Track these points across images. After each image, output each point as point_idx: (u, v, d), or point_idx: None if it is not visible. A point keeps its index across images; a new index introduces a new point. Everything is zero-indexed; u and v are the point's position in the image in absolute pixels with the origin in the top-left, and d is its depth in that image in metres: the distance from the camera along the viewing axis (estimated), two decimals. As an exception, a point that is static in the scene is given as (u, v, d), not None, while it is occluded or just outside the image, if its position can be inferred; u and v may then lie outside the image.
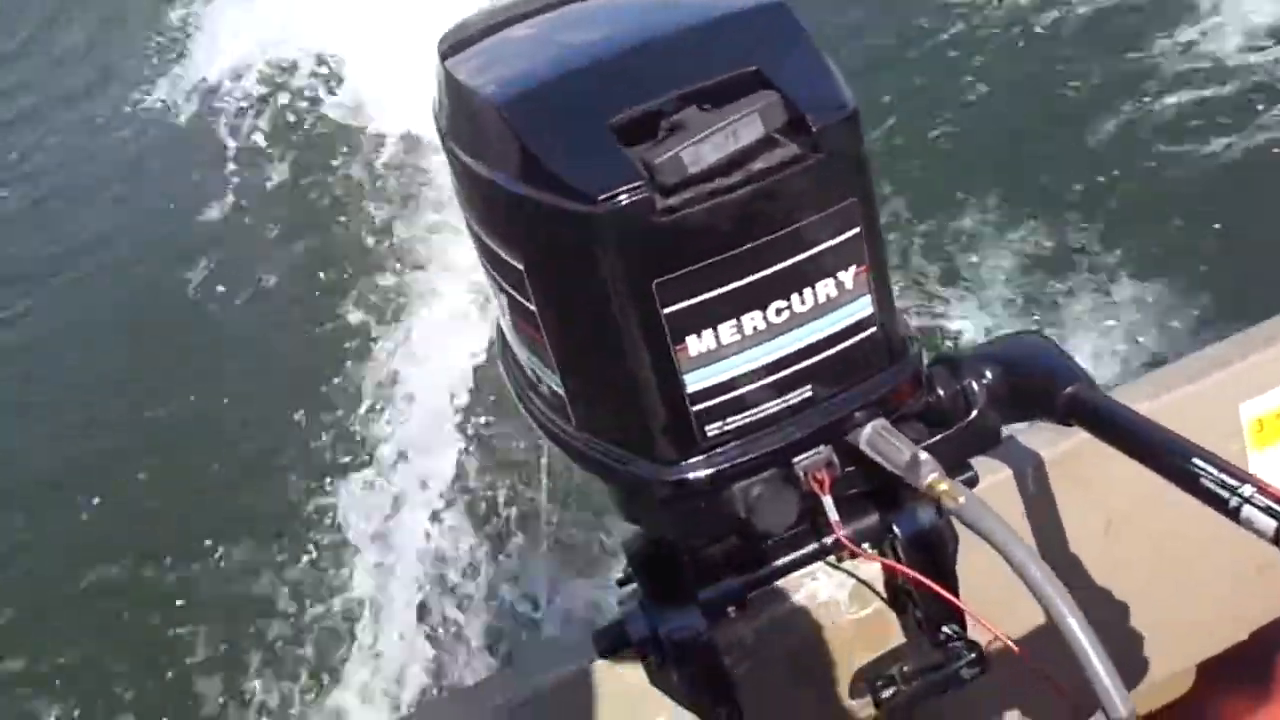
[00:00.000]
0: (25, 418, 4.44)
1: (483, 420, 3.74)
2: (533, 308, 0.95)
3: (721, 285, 0.86)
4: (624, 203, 0.81)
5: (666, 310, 0.85)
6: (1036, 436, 1.29)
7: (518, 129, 0.86)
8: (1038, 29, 5.22)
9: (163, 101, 6.13)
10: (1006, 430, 1.15)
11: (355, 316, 4.44)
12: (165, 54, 6.50)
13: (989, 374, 1.08)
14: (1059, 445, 1.28)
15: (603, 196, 0.81)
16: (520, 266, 0.93)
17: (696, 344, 0.88)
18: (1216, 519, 1.35)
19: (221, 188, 5.35)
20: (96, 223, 5.48)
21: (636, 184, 0.81)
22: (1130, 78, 4.78)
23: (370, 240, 4.86)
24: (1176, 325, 3.70)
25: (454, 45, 0.99)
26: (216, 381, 4.32)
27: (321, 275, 4.75)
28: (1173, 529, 1.33)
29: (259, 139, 5.66)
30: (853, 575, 1.21)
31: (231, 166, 5.53)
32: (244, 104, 5.87)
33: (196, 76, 6.16)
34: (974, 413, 1.07)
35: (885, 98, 4.85)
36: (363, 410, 4.02)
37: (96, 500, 3.92)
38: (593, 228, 0.82)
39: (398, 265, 4.67)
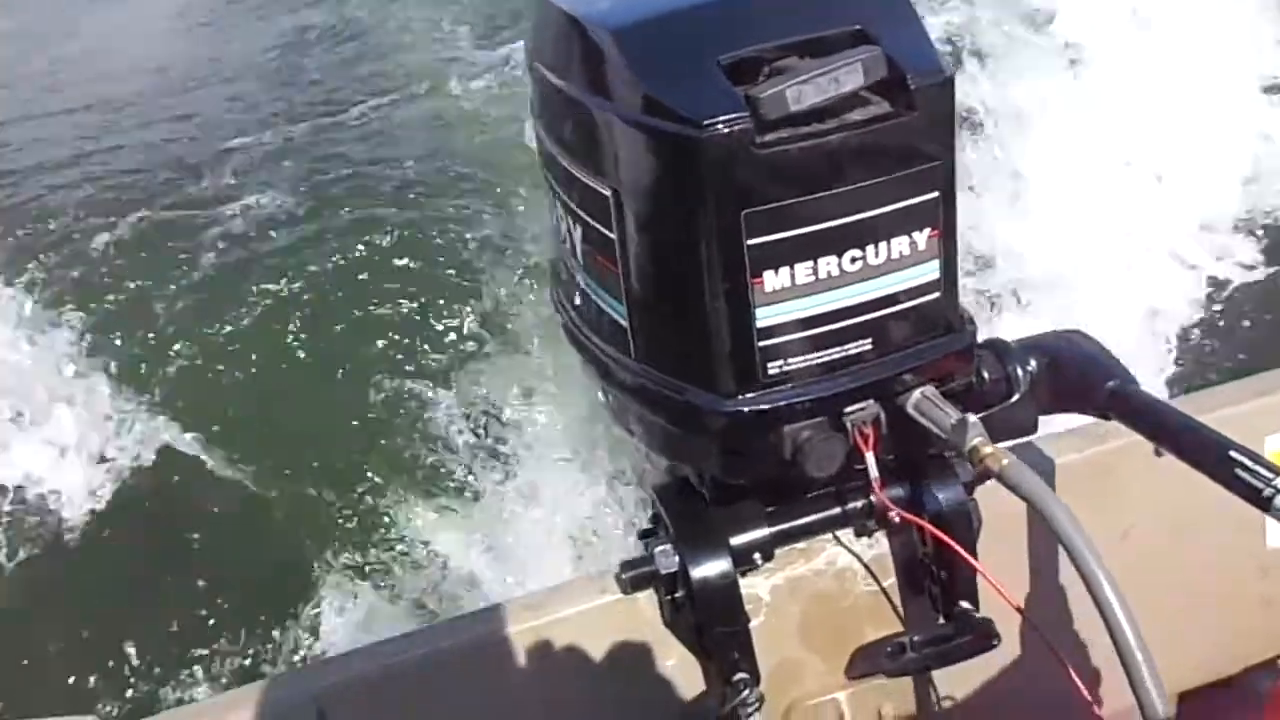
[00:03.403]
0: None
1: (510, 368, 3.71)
2: (612, 235, 0.99)
3: (805, 225, 0.90)
4: (726, 132, 0.86)
5: (750, 242, 0.90)
6: (1064, 439, 1.33)
7: (629, 55, 0.91)
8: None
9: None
10: (1038, 428, 1.19)
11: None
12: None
13: (1034, 363, 1.12)
14: (1085, 450, 1.31)
15: (707, 123, 0.86)
16: (607, 192, 0.97)
17: (773, 279, 0.92)
18: (1233, 548, 1.39)
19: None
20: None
21: (740, 115, 0.86)
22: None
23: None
24: (1211, 356, 3.71)
25: None
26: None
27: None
28: (1188, 552, 1.36)
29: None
30: (871, 549, 1.24)
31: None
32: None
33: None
34: (1015, 398, 1.11)
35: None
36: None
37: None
38: (694, 153, 0.87)
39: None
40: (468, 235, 4.51)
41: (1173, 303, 3.98)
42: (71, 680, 3.04)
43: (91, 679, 3.04)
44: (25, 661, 3.10)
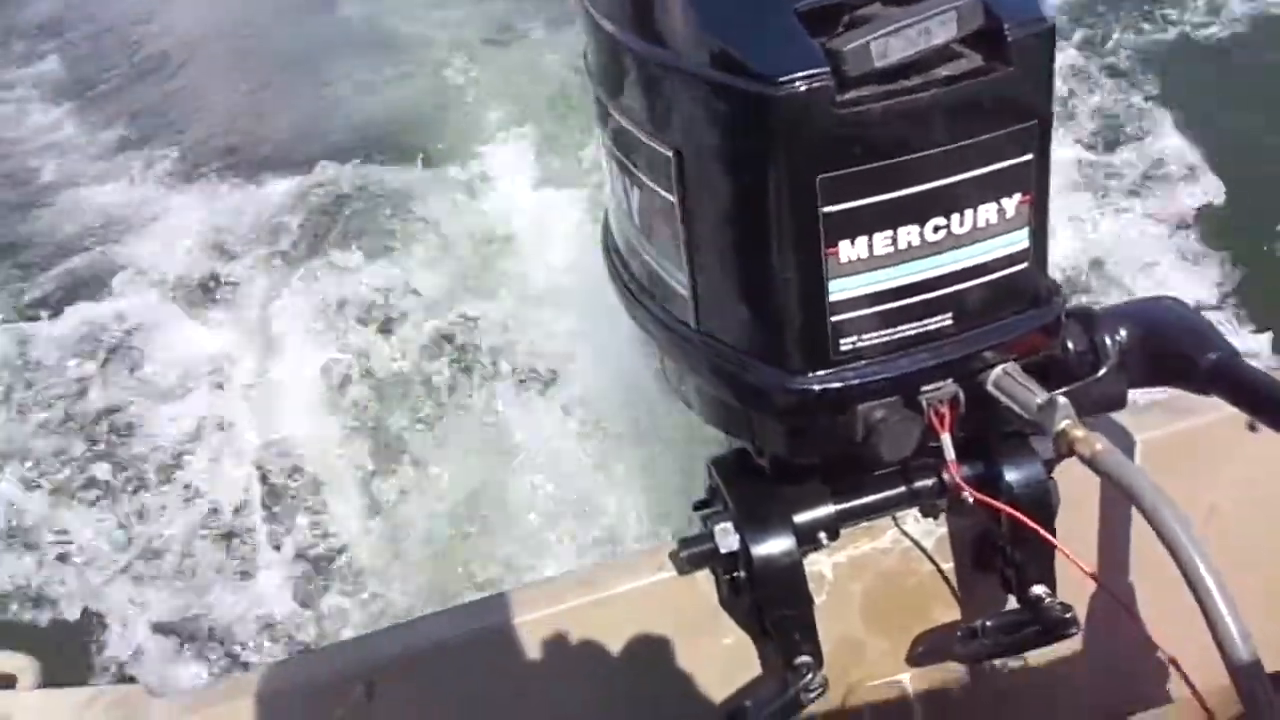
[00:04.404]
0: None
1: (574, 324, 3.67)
2: (673, 199, 0.92)
3: (885, 192, 0.83)
4: (803, 89, 0.78)
5: (826, 209, 0.82)
6: (1147, 414, 1.25)
7: (696, 4, 0.83)
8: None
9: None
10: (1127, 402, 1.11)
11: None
12: None
13: (1124, 333, 1.04)
14: (1170, 425, 1.24)
15: (783, 79, 0.78)
16: (669, 153, 0.90)
17: (848, 250, 0.85)
18: None
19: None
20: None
21: (819, 70, 0.78)
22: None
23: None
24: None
25: None
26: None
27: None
28: (1274, 531, 1.29)
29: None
30: (939, 527, 1.18)
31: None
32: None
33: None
34: (1103, 370, 1.03)
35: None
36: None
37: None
38: (767, 111, 0.79)
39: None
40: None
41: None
42: (115, 648, 3.08)
43: (137, 646, 3.08)
44: (72, 628, 3.14)
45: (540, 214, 4.22)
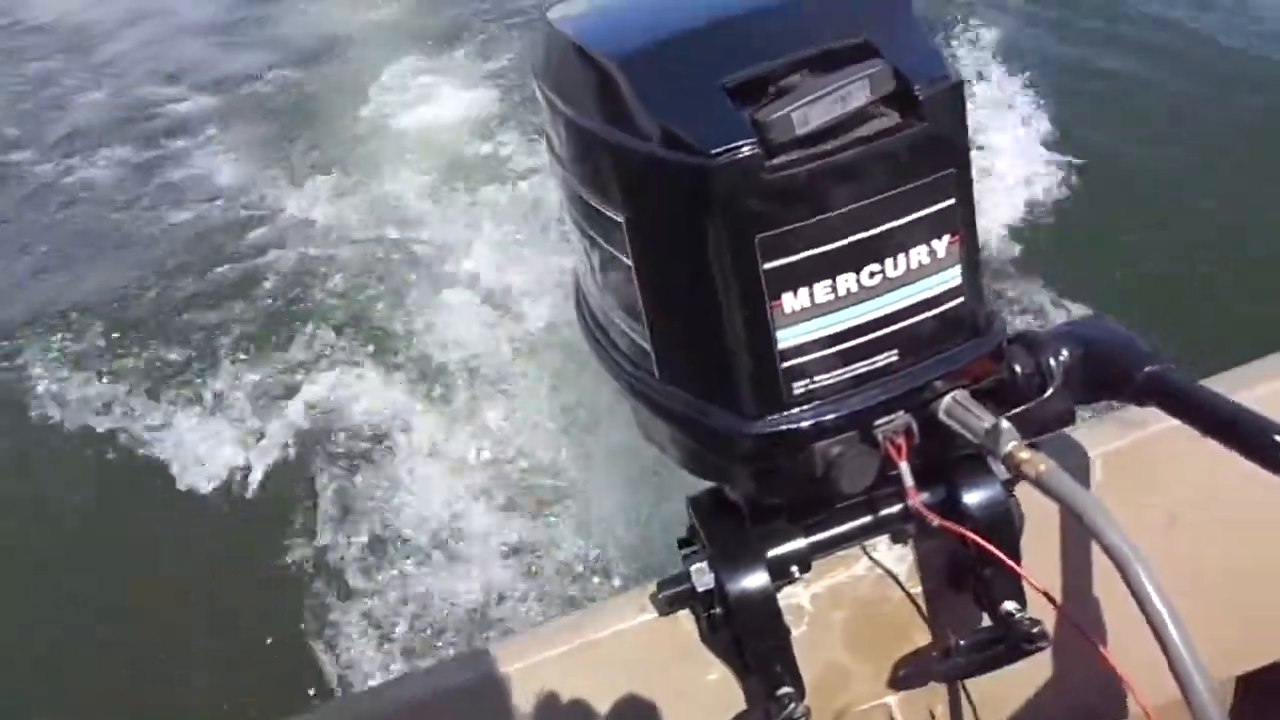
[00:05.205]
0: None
1: (549, 379, 3.78)
2: (629, 261, 0.98)
3: (820, 245, 0.89)
4: (735, 158, 0.85)
5: (766, 266, 0.88)
6: (1104, 427, 1.30)
7: (634, 85, 0.90)
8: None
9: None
10: (1076, 419, 1.17)
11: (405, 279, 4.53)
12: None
13: (1066, 352, 1.09)
14: (1127, 436, 1.29)
15: (715, 151, 0.85)
16: (620, 220, 0.96)
17: (791, 301, 0.91)
18: (1278, 531, 1.35)
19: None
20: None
21: (748, 141, 0.85)
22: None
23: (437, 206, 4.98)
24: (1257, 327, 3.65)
25: (563, 3, 1.03)
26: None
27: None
28: (1239, 536, 1.34)
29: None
30: (911, 551, 1.23)
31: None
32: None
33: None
34: (1050, 390, 1.09)
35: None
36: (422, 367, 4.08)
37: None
38: (704, 181, 0.86)
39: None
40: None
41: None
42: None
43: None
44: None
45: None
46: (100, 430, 4.13)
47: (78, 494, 3.97)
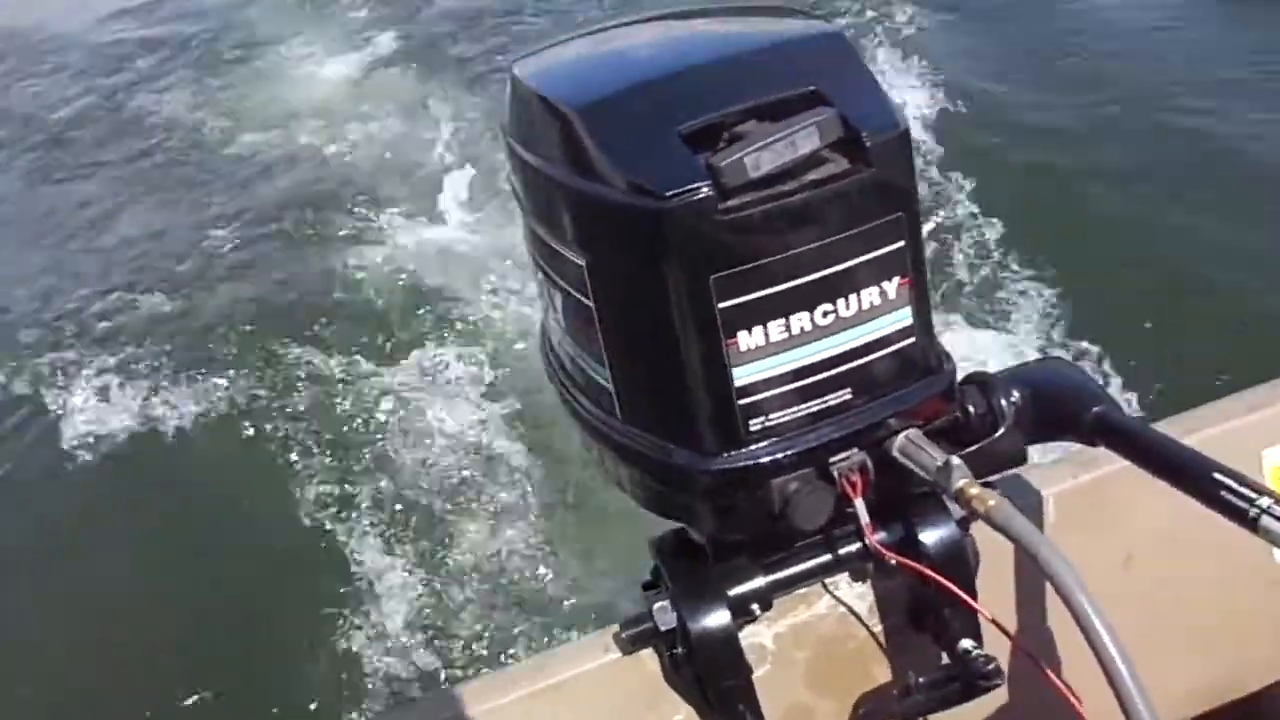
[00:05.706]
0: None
1: (513, 420, 3.82)
2: (590, 304, 1.00)
3: (773, 285, 0.92)
4: (690, 200, 0.88)
5: (721, 305, 0.91)
6: (1060, 467, 1.33)
7: (592, 133, 0.93)
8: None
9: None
10: (1031, 459, 1.20)
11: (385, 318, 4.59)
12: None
13: (1017, 394, 1.13)
14: (1081, 476, 1.32)
15: (670, 194, 0.88)
16: (581, 264, 0.99)
17: (746, 339, 0.93)
18: (1240, 566, 1.38)
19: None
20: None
21: (701, 184, 0.88)
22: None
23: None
24: (1201, 371, 3.73)
25: (527, 58, 1.07)
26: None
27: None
28: (1193, 574, 1.36)
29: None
30: (872, 589, 1.25)
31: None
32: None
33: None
34: (1000, 430, 1.12)
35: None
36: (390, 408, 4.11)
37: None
38: (659, 224, 0.89)
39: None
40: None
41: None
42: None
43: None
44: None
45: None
46: (94, 430, 4.12)
47: (78, 494, 3.95)
